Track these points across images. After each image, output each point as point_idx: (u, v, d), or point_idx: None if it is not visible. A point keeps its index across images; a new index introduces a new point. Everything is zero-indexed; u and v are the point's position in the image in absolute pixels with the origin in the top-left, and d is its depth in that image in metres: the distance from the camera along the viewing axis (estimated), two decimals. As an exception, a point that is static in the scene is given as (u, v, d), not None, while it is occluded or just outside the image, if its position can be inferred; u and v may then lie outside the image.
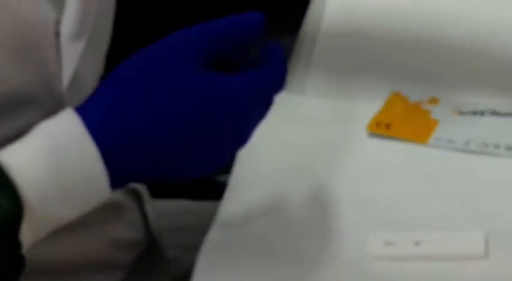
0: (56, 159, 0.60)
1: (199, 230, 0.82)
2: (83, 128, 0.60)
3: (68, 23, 0.71)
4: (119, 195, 0.80)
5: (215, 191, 0.82)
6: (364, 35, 0.99)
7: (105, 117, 0.62)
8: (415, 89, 0.85)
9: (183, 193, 0.96)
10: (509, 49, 0.93)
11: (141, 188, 0.85)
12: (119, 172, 0.61)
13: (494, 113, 0.80)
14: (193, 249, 0.80)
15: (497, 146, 0.76)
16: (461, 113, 0.80)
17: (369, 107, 0.82)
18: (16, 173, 0.59)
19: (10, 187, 0.58)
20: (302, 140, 0.81)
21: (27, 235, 0.59)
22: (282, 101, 0.73)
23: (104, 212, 0.75)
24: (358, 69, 0.92)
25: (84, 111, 0.62)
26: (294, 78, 0.89)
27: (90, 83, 0.76)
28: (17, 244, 0.58)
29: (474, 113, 0.80)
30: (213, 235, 0.74)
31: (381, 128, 0.79)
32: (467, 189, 0.71)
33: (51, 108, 0.69)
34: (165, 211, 0.89)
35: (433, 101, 0.82)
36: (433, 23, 0.98)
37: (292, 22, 1.05)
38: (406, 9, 1.01)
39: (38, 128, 0.61)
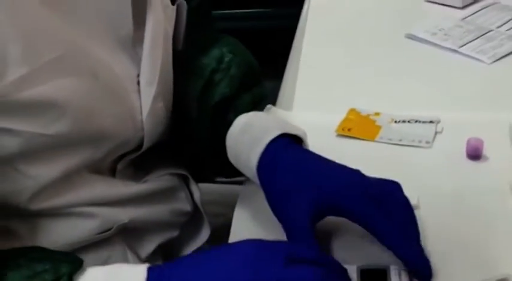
0: None
1: (226, 204, 0.92)
2: None
3: (143, 75, 0.76)
4: (174, 180, 0.86)
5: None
6: (331, 75, 1.11)
7: None
8: (365, 106, 0.97)
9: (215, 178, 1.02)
10: (425, 80, 1.06)
11: (187, 174, 0.88)
12: None
13: (417, 121, 0.93)
14: (222, 215, 0.92)
15: (420, 141, 0.89)
16: (396, 122, 0.93)
17: (336, 118, 0.94)
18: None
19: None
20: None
21: None
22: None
23: (167, 192, 0.85)
24: (327, 94, 1.04)
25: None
26: (283, 99, 1.03)
27: (162, 113, 0.81)
28: None
29: (403, 121, 0.93)
30: (241, 202, 0.82)
31: (345, 131, 0.92)
32: (401, 169, 0.79)
33: (129, 137, 0.77)
34: (203, 190, 0.90)
35: (377, 114, 0.95)
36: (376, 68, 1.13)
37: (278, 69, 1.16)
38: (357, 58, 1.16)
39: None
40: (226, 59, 0.84)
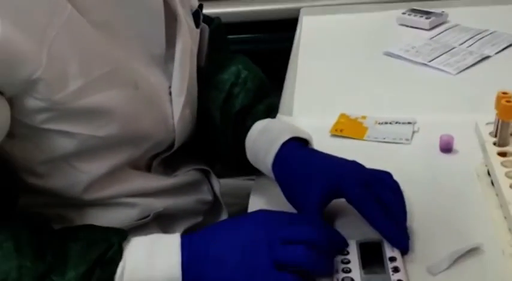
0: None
1: (239, 195, 0.93)
2: (178, 258, 0.62)
3: (174, 87, 0.76)
4: (198, 175, 0.86)
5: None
6: (323, 86, 1.11)
7: (193, 265, 0.62)
8: (353, 111, 0.97)
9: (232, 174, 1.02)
10: (401, 89, 1.06)
11: (209, 169, 0.88)
12: None
13: (397, 122, 0.92)
14: (236, 205, 0.92)
15: (400, 139, 0.88)
16: (379, 123, 0.93)
17: (328, 121, 0.94)
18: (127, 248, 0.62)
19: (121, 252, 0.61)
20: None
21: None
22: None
23: (192, 184, 0.85)
24: (320, 101, 1.04)
25: (184, 245, 0.63)
26: (284, 106, 1.02)
27: (189, 119, 0.80)
28: None
29: (386, 123, 0.93)
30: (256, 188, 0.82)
31: (338, 131, 0.92)
32: (386, 162, 0.77)
33: (163, 138, 0.76)
34: (222, 183, 0.90)
35: (363, 117, 0.94)
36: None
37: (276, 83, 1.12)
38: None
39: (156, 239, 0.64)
40: (243, 75, 0.84)
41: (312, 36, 1.31)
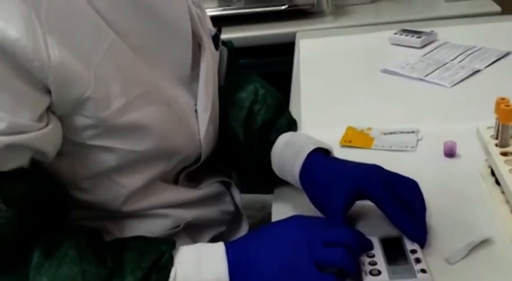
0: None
1: (256, 208, 0.99)
2: (225, 265, 0.64)
3: (200, 104, 0.79)
4: (221, 187, 0.88)
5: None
6: (327, 102, 1.14)
7: (239, 271, 0.64)
8: (358, 124, 1.00)
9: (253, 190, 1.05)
10: (401, 102, 1.10)
11: (231, 181, 0.91)
12: None
13: (402, 132, 0.96)
14: (253, 217, 0.96)
15: (406, 147, 0.92)
16: (384, 134, 0.96)
17: (336, 134, 0.97)
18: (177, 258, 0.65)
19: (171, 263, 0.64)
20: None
21: None
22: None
23: (216, 196, 0.88)
24: (326, 116, 1.07)
25: (229, 253, 0.65)
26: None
27: (213, 134, 0.83)
28: None
29: (391, 133, 0.96)
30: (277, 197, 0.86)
31: (347, 142, 0.95)
32: (394, 168, 0.76)
33: (191, 152, 0.80)
34: (243, 197, 0.92)
35: (369, 129, 0.98)
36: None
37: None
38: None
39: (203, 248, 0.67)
40: (261, 93, 0.88)
41: (311, 57, 1.36)
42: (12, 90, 0.59)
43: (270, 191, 0.89)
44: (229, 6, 1.60)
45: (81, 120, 0.65)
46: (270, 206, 0.85)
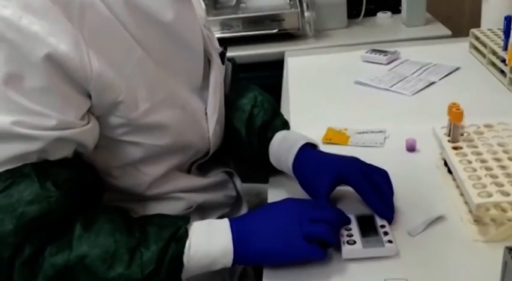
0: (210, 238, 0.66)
1: (253, 195, 0.99)
2: (230, 235, 0.65)
3: (209, 108, 0.80)
4: (225, 175, 0.88)
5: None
6: (312, 107, 1.15)
7: (241, 240, 0.66)
8: (337, 125, 1.01)
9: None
10: (372, 107, 1.11)
11: (233, 171, 0.90)
12: (238, 259, 0.66)
13: (372, 132, 0.98)
14: (250, 202, 0.94)
15: (376, 143, 0.94)
16: (359, 133, 0.98)
17: (319, 133, 0.98)
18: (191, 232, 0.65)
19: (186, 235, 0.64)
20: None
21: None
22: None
23: (222, 183, 0.88)
24: (311, 118, 1.08)
25: (233, 227, 0.67)
26: None
27: (219, 133, 0.83)
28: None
29: (363, 132, 0.98)
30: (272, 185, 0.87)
31: (327, 140, 0.97)
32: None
33: (201, 147, 0.80)
34: (242, 186, 0.91)
35: (345, 129, 0.99)
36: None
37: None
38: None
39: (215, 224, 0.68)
40: (259, 99, 0.90)
41: (297, 72, 1.36)
42: (61, 94, 0.60)
43: (265, 180, 0.90)
44: (229, 29, 1.59)
45: (114, 120, 0.67)
46: (265, 193, 0.86)
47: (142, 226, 0.65)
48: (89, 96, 0.63)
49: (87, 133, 0.64)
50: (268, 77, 1.44)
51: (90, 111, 0.64)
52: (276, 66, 1.47)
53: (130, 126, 0.68)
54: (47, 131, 0.59)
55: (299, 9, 1.60)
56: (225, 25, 1.60)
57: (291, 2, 1.67)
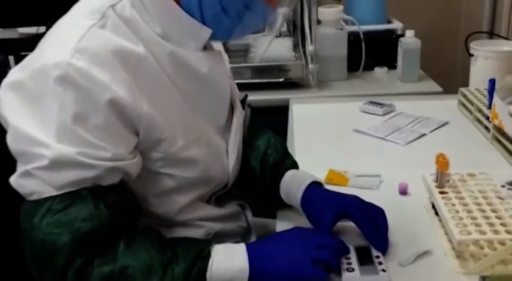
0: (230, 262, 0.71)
1: (261, 227, 1.04)
2: (246, 257, 0.72)
3: (230, 148, 0.86)
4: (238, 207, 0.95)
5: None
6: (315, 151, 1.22)
7: (256, 261, 0.71)
8: (338, 168, 1.08)
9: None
10: (368, 153, 1.18)
11: (246, 204, 0.96)
12: (253, 277, 0.71)
13: (369, 175, 1.05)
14: (260, 233, 1.00)
15: (371, 186, 1.02)
16: (357, 176, 1.06)
17: (322, 174, 1.03)
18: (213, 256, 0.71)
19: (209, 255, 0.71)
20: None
21: None
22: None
23: (235, 214, 0.95)
24: (315, 160, 1.14)
25: (249, 250, 0.73)
26: None
27: (237, 168, 0.90)
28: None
29: (361, 175, 1.06)
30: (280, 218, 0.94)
31: (329, 180, 1.04)
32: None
33: (222, 180, 0.87)
34: (253, 220, 0.97)
35: (345, 172, 1.07)
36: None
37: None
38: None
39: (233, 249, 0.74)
40: (272, 141, 0.99)
41: (301, 118, 1.45)
42: (116, 132, 0.71)
43: (272, 216, 0.97)
44: (239, 77, 1.68)
45: (155, 155, 0.77)
46: (272, 226, 0.95)
47: (173, 246, 0.73)
48: (137, 135, 0.73)
49: (133, 165, 0.74)
50: (274, 122, 1.48)
51: (136, 147, 0.75)
52: (281, 111, 1.56)
53: (167, 160, 0.78)
54: (103, 162, 0.69)
55: (304, 61, 1.72)
56: (235, 73, 1.66)
57: (297, 55, 1.81)
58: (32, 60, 0.70)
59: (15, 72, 0.70)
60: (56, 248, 0.67)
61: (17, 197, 0.69)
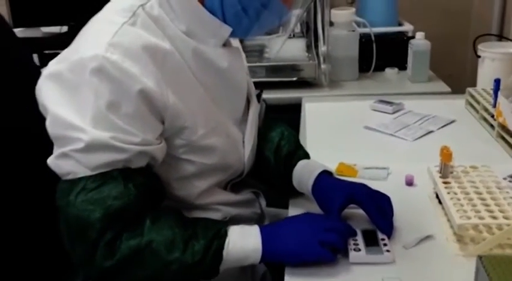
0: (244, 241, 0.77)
1: (274, 216, 1.06)
2: (260, 237, 0.77)
3: (246, 138, 0.92)
4: (252, 195, 0.99)
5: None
6: (327, 146, 1.27)
7: (268, 242, 0.77)
8: (347, 161, 1.12)
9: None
10: (378, 148, 1.23)
11: (259, 191, 1.00)
12: (265, 257, 0.77)
13: (377, 168, 1.10)
14: (271, 220, 1.04)
15: (379, 178, 1.07)
16: (365, 168, 1.10)
17: (333, 166, 1.07)
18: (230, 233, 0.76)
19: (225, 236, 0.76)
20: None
21: None
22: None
23: (250, 201, 1.00)
24: (327, 154, 1.13)
25: (262, 231, 0.78)
26: None
27: (252, 158, 0.94)
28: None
29: (369, 168, 1.10)
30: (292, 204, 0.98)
31: (339, 172, 1.08)
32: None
33: (238, 168, 0.92)
34: (266, 209, 1.02)
35: (354, 165, 1.11)
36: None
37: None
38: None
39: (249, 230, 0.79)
40: (286, 133, 1.04)
41: (314, 116, 1.49)
42: (145, 119, 0.76)
43: (284, 206, 1.01)
44: (255, 76, 1.69)
45: (178, 142, 0.83)
46: (283, 215, 0.95)
47: (194, 225, 0.80)
48: (163, 123, 0.79)
49: (159, 150, 0.79)
50: (287, 119, 1.52)
51: (161, 134, 0.81)
52: (294, 109, 1.60)
53: (189, 146, 0.84)
54: (133, 146, 0.74)
55: (316, 61, 1.76)
56: (250, 71, 1.68)
57: (309, 55, 1.85)
58: (69, 53, 0.77)
59: (54, 65, 0.77)
60: (89, 222, 0.73)
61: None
